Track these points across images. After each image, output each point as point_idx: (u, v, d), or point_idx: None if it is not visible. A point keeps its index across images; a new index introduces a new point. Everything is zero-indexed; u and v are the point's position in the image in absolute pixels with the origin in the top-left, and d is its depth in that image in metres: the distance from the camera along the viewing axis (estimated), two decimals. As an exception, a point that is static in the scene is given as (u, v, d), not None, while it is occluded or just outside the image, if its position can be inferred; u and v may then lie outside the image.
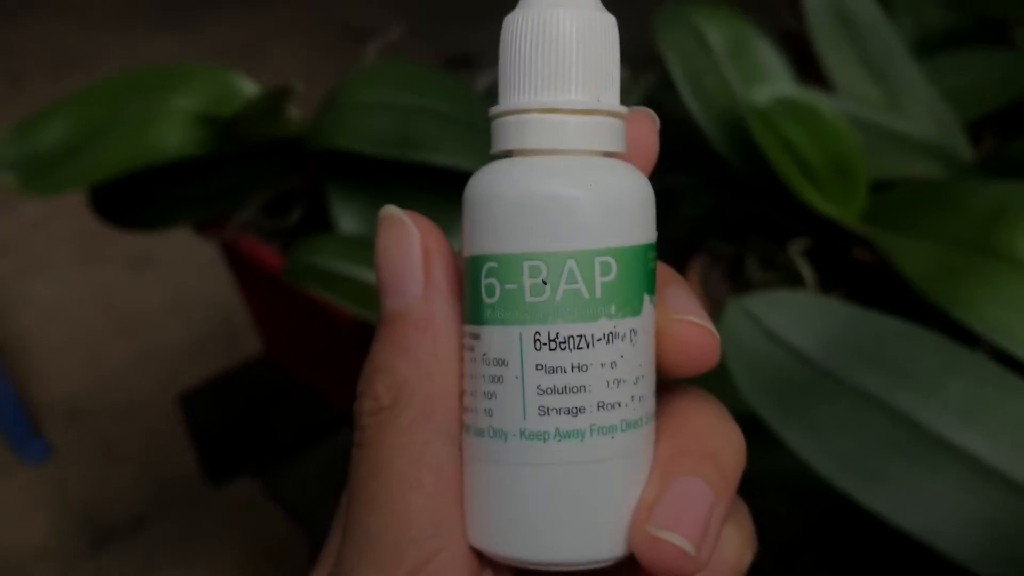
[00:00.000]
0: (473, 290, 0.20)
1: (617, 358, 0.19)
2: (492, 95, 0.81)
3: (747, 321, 0.35)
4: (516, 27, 0.20)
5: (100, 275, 1.51)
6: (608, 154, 0.20)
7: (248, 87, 0.66)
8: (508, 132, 0.20)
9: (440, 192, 0.62)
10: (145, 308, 1.44)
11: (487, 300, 0.20)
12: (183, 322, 1.40)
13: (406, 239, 0.21)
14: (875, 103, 0.70)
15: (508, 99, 0.20)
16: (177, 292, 1.45)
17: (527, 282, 0.19)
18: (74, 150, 0.63)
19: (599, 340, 0.19)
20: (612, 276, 0.19)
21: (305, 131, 0.63)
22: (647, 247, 0.20)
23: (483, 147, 0.62)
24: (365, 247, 0.55)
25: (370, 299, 0.51)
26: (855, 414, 0.33)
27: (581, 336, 0.19)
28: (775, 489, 0.47)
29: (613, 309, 0.19)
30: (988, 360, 0.34)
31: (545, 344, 0.19)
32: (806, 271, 0.57)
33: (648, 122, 0.23)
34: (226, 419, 0.80)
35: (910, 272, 0.50)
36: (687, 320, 0.21)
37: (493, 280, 0.19)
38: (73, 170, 0.61)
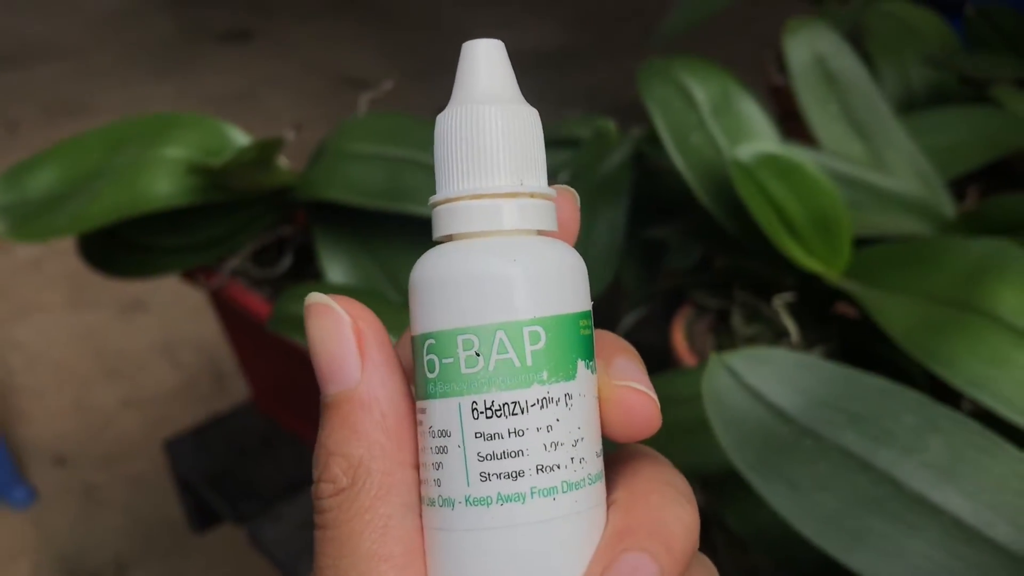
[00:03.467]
0: (419, 367, 0.21)
1: (552, 422, 0.20)
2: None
3: (729, 378, 0.36)
4: (446, 123, 0.22)
5: (89, 319, 1.51)
6: (538, 232, 0.22)
7: (239, 137, 0.66)
8: (443, 219, 0.22)
9: (427, 242, 0.63)
10: (134, 352, 1.44)
11: (429, 375, 0.21)
12: (172, 367, 1.40)
13: (337, 325, 0.22)
14: (859, 159, 0.71)
15: (442, 189, 0.22)
16: (166, 337, 1.45)
17: (462, 355, 0.20)
18: (64, 197, 0.64)
19: (533, 405, 0.20)
20: (541, 344, 0.20)
21: (295, 181, 0.64)
22: (579, 315, 0.21)
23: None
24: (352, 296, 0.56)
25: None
26: (836, 473, 0.33)
27: (515, 403, 0.20)
28: (761, 546, 0.47)
29: (545, 375, 0.20)
30: (968, 419, 0.34)
31: (482, 412, 0.20)
32: (790, 325, 0.58)
33: (570, 199, 0.24)
34: (212, 466, 0.79)
35: (891, 328, 0.51)
36: (628, 386, 0.22)
37: (433, 356, 0.20)
38: (63, 217, 0.61)
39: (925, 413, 0.34)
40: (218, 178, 0.62)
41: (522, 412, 0.20)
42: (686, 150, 0.58)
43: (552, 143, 0.83)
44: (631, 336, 0.78)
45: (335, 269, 0.62)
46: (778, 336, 0.63)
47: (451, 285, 0.21)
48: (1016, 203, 0.65)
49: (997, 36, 0.97)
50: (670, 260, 0.76)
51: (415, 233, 0.63)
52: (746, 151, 0.56)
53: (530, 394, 0.20)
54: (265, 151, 0.59)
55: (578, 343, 0.21)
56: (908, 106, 0.90)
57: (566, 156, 0.78)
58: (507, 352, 0.20)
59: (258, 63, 2.43)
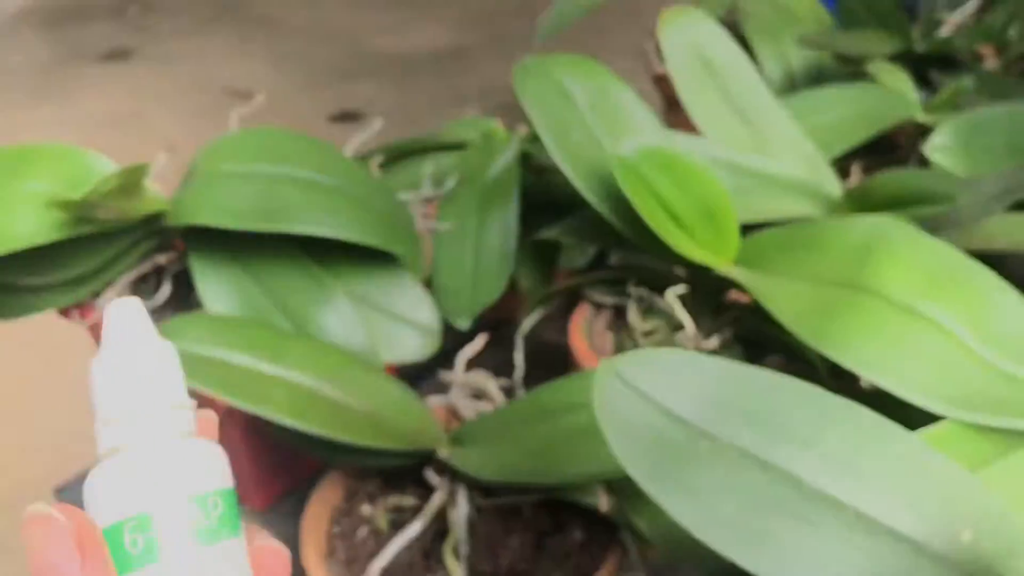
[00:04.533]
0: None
1: None
2: (368, 154, 0.79)
3: (618, 383, 0.34)
4: (95, 365, 0.26)
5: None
6: (182, 434, 0.26)
7: (104, 165, 0.63)
8: (100, 440, 0.26)
9: (311, 262, 0.61)
10: (28, 393, 1.37)
11: (114, 561, 0.24)
12: (67, 407, 1.33)
13: (57, 532, 0.24)
14: (742, 145, 0.71)
15: (97, 418, 0.26)
16: (61, 376, 1.38)
17: (127, 538, 0.24)
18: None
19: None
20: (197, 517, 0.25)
21: (167, 206, 0.61)
22: (219, 492, 0.25)
23: (350, 212, 0.60)
24: (236, 328, 0.53)
25: (246, 384, 0.49)
26: (734, 475, 0.32)
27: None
28: (673, 549, 0.47)
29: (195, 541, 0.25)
30: (863, 408, 0.34)
31: None
32: (684, 318, 0.57)
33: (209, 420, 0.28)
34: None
35: (780, 314, 0.50)
36: (260, 544, 0.26)
37: (112, 542, 0.24)
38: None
39: (819, 405, 0.34)
40: (83, 210, 0.58)
41: None
42: (568, 148, 0.57)
43: (438, 148, 0.81)
44: (532, 339, 0.76)
45: (215, 297, 0.59)
46: (675, 329, 0.62)
47: (104, 488, 0.25)
48: (900, 178, 0.66)
49: (869, 14, 0.98)
50: (565, 260, 0.75)
51: (297, 254, 0.61)
52: (628, 146, 0.55)
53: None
54: (129, 178, 0.56)
55: (224, 518, 0.26)
56: (789, 88, 0.90)
57: (453, 160, 0.76)
58: (150, 531, 0.24)
59: (142, 82, 2.35)
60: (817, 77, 0.94)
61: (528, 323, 0.69)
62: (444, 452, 0.52)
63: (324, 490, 0.56)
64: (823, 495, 0.32)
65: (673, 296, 0.56)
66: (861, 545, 0.31)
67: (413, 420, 0.52)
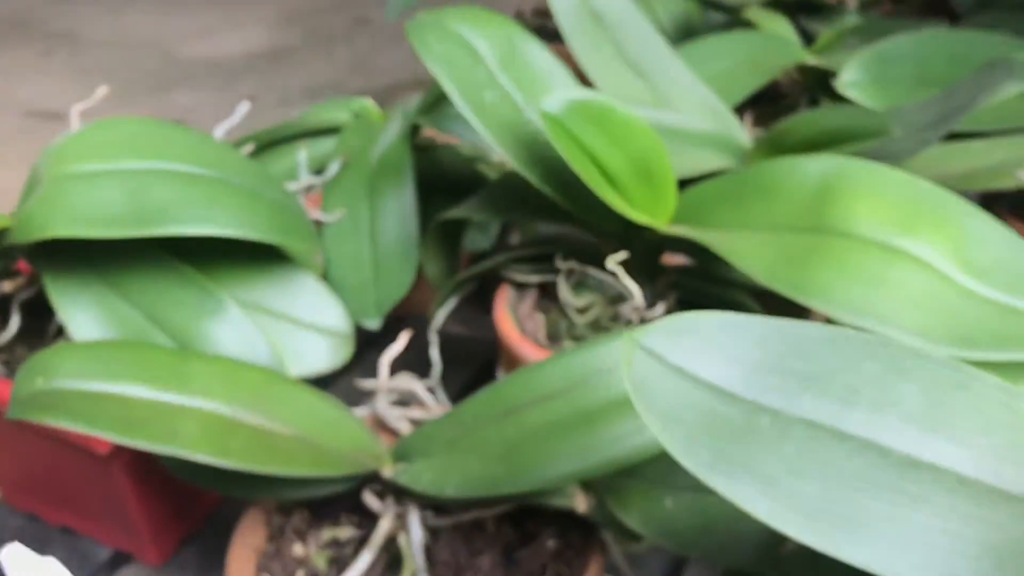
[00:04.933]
0: None
1: None
2: (234, 144, 0.70)
3: (650, 362, 0.28)
4: None
5: None
6: None
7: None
8: None
9: (190, 266, 0.52)
10: None
11: None
12: None
13: None
14: (642, 99, 0.66)
15: None
16: None
17: None
18: None
19: None
20: None
21: (8, 223, 0.50)
22: None
23: (239, 206, 0.52)
24: (122, 354, 0.44)
25: (148, 421, 0.40)
26: (806, 451, 0.27)
27: None
28: (675, 543, 0.41)
29: None
30: (931, 353, 0.29)
31: None
32: (631, 286, 0.52)
33: None
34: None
35: (751, 268, 0.46)
36: None
37: None
38: None
39: (883, 356, 0.29)
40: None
41: None
42: (483, 112, 0.51)
43: (308, 134, 0.73)
44: (446, 332, 0.69)
45: (82, 322, 0.50)
46: (613, 301, 0.57)
47: None
48: (815, 119, 0.62)
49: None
50: (469, 242, 0.69)
51: (173, 262, 0.52)
52: (553, 100, 0.49)
53: None
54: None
55: None
56: (674, 39, 0.87)
57: (329, 145, 0.69)
58: None
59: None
60: (687, 30, 0.90)
61: (442, 315, 0.62)
62: (389, 472, 0.45)
63: (244, 533, 0.48)
64: (915, 461, 0.27)
65: (615, 263, 0.51)
66: (970, 513, 0.26)
67: (350, 439, 0.44)
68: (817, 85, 0.77)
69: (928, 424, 0.27)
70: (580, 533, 0.47)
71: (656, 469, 0.42)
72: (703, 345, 0.29)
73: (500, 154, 0.51)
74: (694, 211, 0.53)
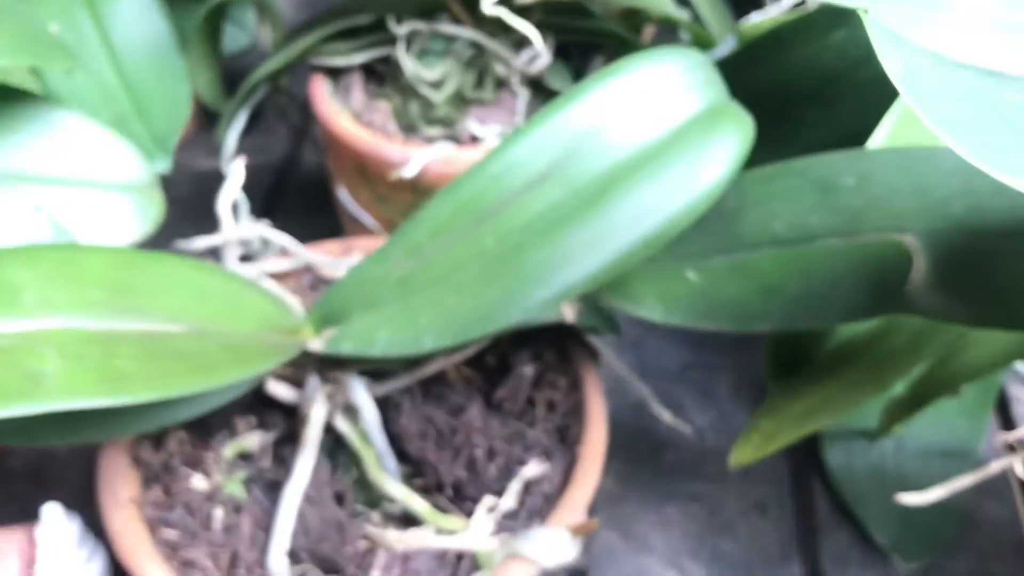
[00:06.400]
0: None
1: None
2: None
3: (916, 57, 0.18)
4: None
5: None
6: None
7: None
8: None
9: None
10: None
11: None
12: None
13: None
14: None
15: None
16: None
17: None
18: None
19: None
20: None
21: None
22: None
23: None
24: None
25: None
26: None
27: None
28: (724, 318, 0.33)
29: None
30: None
31: None
32: (528, 30, 0.40)
33: None
34: None
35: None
36: None
37: None
38: None
39: None
40: None
41: None
42: None
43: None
44: (251, 155, 0.53)
45: None
46: (471, 64, 0.45)
47: None
48: None
49: None
50: (227, 43, 0.53)
51: None
52: None
53: None
54: None
55: None
56: None
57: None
58: None
59: None
60: None
61: (233, 137, 0.47)
62: (318, 344, 0.32)
63: (109, 488, 0.33)
64: None
65: (493, 4, 0.39)
66: None
67: (258, 314, 0.31)
68: None
69: None
70: (556, 349, 0.37)
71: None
72: (946, 19, 0.19)
73: None
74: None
